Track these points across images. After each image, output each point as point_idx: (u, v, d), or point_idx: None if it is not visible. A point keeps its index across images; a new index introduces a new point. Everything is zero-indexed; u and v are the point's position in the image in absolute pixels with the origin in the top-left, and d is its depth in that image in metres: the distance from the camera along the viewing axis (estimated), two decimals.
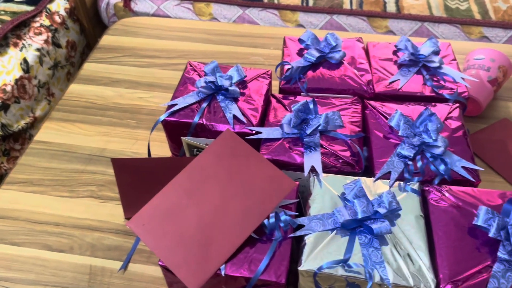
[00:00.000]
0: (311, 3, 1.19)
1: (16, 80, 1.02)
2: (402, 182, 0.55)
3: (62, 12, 1.22)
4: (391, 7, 1.16)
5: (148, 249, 0.64)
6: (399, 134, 0.58)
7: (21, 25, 1.11)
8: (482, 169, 0.57)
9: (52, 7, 1.20)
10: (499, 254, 0.47)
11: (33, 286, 0.61)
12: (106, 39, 1.02)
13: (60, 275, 0.62)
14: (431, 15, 1.13)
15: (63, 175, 0.74)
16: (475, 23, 1.11)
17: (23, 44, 1.08)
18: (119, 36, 1.03)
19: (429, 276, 0.47)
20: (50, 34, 1.15)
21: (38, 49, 1.09)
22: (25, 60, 1.05)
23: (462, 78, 0.68)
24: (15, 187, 0.72)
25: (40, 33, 1.13)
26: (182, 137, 0.64)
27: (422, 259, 0.48)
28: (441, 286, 0.46)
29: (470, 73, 0.81)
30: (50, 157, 0.77)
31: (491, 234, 0.47)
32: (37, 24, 1.14)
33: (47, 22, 1.16)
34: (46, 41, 1.13)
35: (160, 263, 0.48)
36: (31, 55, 1.07)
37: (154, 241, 0.49)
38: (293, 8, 1.19)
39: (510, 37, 1.10)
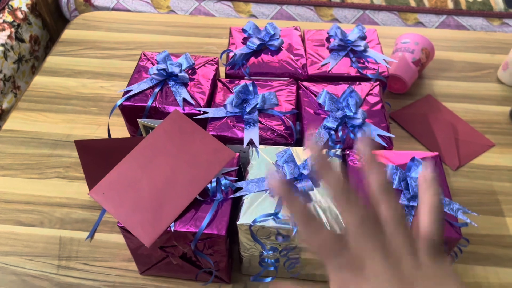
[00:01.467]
0: None
1: None
2: (327, 149, 0.65)
3: (24, 8, 1.26)
4: None
5: (112, 220, 0.72)
6: (325, 109, 0.68)
7: None
8: (393, 135, 0.67)
9: (14, 3, 1.25)
10: (401, 201, 0.57)
11: (8, 257, 0.68)
12: (68, 33, 1.08)
13: (33, 246, 0.69)
14: (372, 3, 1.24)
15: (32, 159, 0.81)
16: (411, 10, 1.22)
17: None
18: (80, 30, 1.09)
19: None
20: (13, 29, 1.19)
21: (2, 45, 1.14)
22: None
23: (384, 60, 0.78)
24: None
25: (3, 29, 1.17)
26: (138, 120, 0.72)
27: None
28: None
29: (397, 55, 0.91)
30: (19, 143, 0.84)
31: (394, 186, 0.58)
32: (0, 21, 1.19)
33: (9, 18, 1.20)
34: (9, 37, 1.18)
35: (119, 224, 0.57)
36: None
37: (113, 207, 0.57)
38: (246, 0, 1.27)
39: (442, 22, 1.22)
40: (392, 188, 0.34)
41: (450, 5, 1.22)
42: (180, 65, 0.74)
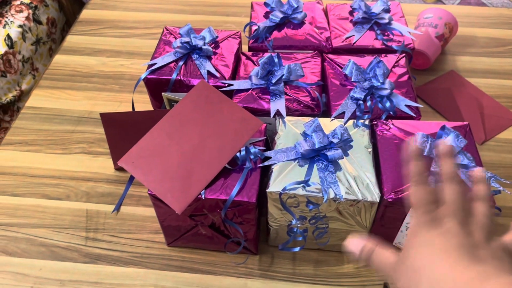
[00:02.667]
0: None
1: (2, 56, 1.07)
2: (355, 120, 0.64)
3: None
4: None
5: (137, 194, 0.73)
6: (352, 80, 0.67)
7: (2, 4, 1.16)
8: (422, 105, 0.66)
9: None
10: (432, 168, 0.57)
11: (36, 229, 0.69)
12: (86, 13, 1.07)
13: (60, 218, 0.70)
14: None
15: (56, 135, 0.81)
16: None
17: (5, 21, 1.13)
18: (98, 10, 1.08)
19: (375, 190, 0.56)
20: (30, 11, 1.20)
21: (20, 26, 1.15)
22: (8, 36, 1.11)
23: (409, 32, 0.77)
24: (12, 147, 0.79)
25: (21, 11, 1.18)
26: (162, 93, 0.72)
27: (369, 178, 0.57)
28: (384, 196, 0.56)
29: (420, 30, 0.90)
30: (42, 120, 0.84)
31: (425, 153, 0.57)
32: (17, 2, 1.19)
33: (27, 0, 1.21)
34: (27, 18, 1.18)
35: (149, 192, 0.57)
36: (14, 32, 1.12)
37: (143, 175, 0.57)
38: None
39: None
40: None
41: None
42: (203, 38, 0.74)
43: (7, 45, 1.09)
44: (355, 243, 0.42)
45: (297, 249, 0.62)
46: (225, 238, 0.62)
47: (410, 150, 0.41)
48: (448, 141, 0.58)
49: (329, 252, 0.66)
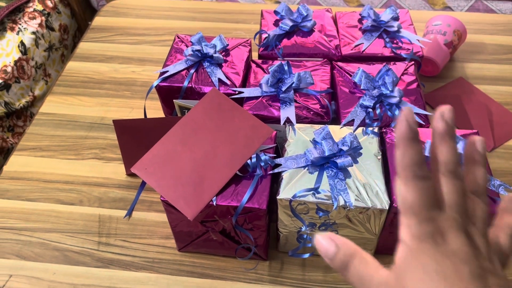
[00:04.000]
0: None
1: (15, 62, 1.09)
2: (364, 127, 0.65)
3: None
4: None
5: (149, 199, 0.74)
6: (361, 88, 0.68)
7: (15, 11, 1.18)
8: (431, 113, 0.67)
9: None
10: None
11: (50, 233, 0.70)
12: (98, 20, 1.09)
13: (73, 223, 0.71)
14: None
15: (69, 141, 0.83)
16: None
17: (19, 28, 1.15)
18: (110, 17, 1.10)
19: (384, 198, 0.57)
20: (43, 18, 1.22)
21: (33, 32, 1.17)
22: (22, 43, 1.13)
23: (418, 40, 0.78)
24: (26, 153, 0.81)
25: (34, 18, 1.20)
26: (174, 100, 0.73)
27: (379, 186, 0.58)
28: (394, 204, 0.56)
29: (428, 37, 0.90)
30: (55, 126, 0.85)
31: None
32: (30, 9, 1.21)
33: (40, 7, 1.23)
34: (40, 25, 1.20)
35: (162, 198, 0.58)
36: (27, 38, 1.14)
37: (155, 181, 0.58)
38: None
39: (471, 6, 1.20)
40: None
41: None
42: (214, 46, 0.75)
43: (21, 51, 1.11)
44: (326, 243, 0.32)
45: (306, 255, 0.63)
46: (235, 244, 0.63)
47: (400, 131, 0.30)
48: (458, 148, 0.59)
49: None
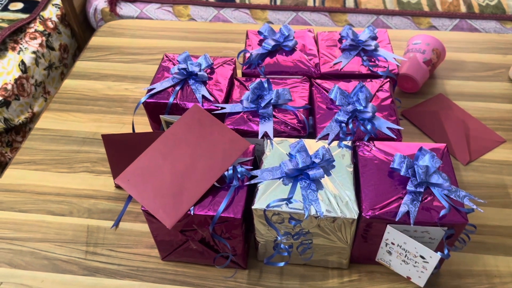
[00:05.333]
0: (278, 2, 1.32)
1: (16, 80, 1.14)
2: (338, 141, 0.68)
3: (54, 18, 1.34)
4: (350, 3, 1.29)
5: (136, 210, 0.77)
6: (336, 103, 0.71)
7: (17, 31, 1.24)
8: (402, 128, 0.70)
9: (45, 14, 1.33)
10: (408, 187, 0.60)
11: (40, 243, 0.73)
12: (95, 40, 1.14)
13: (63, 233, 0.74)
14: (385, 8, 1.27)
15: (62, 155, 0.87)
16: (424, 14, 1.25)
17: (20, 48, 1.20)
18: (106, 37, 1.15)
19: (354, 208, 0.59)
20: (44, 38, 1.27)
21: (34, 52, 1.22)
22: (22, 62, 1.18)
23: (394, 58, 0.81)
24: (21, 167, 0.85)
25: (35, 38, 1.25)
26: (160, 116, 0.77)
27: (349, 196, 0.61)
28: (363, 213, 0.59)
29: (408, 56, 0.94)
30: (50, 141, 0.89)
31: (402, 173, 0.61)
32: (32, 30, 1.26)
33: (41, 28, 1.28)
34: (40, 45, 1.25)
35: (143, 208, 0.61)
36: (27, 57, 1.19)
37: (137, 192, 0.62)
38: (263, 7, 1.32)
39: (455, 25, 1.24)
40: None
41: (463, 9, 1.24)
42: (199, 64, 0.79)
43: (21, 70, 1.16)
44: None
45: (282, 264, 0.66)
46: (214, 253, 0.66)
47: None
48: (424, 161, 0.62)
49: (315, 267, 0.69)
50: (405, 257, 0.62)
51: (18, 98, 1.14)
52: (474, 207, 0.59)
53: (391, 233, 0.60)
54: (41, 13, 1.31)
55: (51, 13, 1.34)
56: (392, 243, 0.62)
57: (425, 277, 0.63)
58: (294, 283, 0.67)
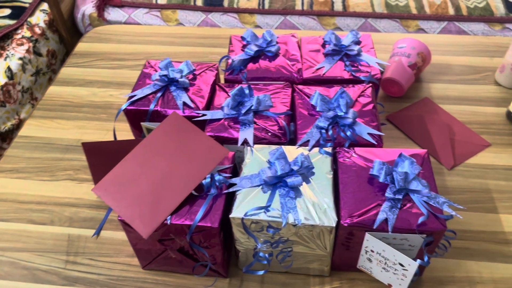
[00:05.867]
0: (267, 6, 1.32)
1: (2, 86, 1.13)
2: (319, 148, 0.67)
3: (42, 24, 1.34)
4: (338, 6, 1.29)
5: (117, 219, 0.76)
6: (317, 109, 0.71)
7: (4, 38, 1.23)
8: (383, 134, 0.69)
9: (33, 20, 1.32)
10: (386, 194, 0.59)
11: (20, 253, 0.72)
12: (81, 46, 1.14)
13: (43, 243, 0.74)
14: (374, 12, 1.27)
15: (44, 163, 0.86)
16: (412, 17, 1.24)
17: (7, 54, 1.19)
18: (93, 43, 1.15)
19: (332, 216, 0.59)
20: (31, 44, 1.27)
21: (20, 58, 1.21)
22: (9, 68, 1.17)
23: (377, 63, 0.81)
24: (3, 175, 0.84)
25: (22, 44, 1.25)
26: (141, 123, 0.76)
27: (328, 204, 0.60)
28: (341, 221, 0.59)
29: (393, 60, 0.94)
30: (33, 148, 0.89)
31: (381, 180, 0.60)
32: (19, 36, 1.26)
33: (28, 34, 1.28)
34: (27, 51, 1.25)
35: (119, 218, 0.60)
36: (14, 64, 1.19)
37: (114, 201, 0.61)
38: (251, 11, 1.31)
39: (443, 28, 1.24)
40: None
41: (451, 11, 1.24)
42: (181, 71, 0.78)
43: (7, 76, 1.15)
44: None
45: (261, 272, 0.65)
46: (194, 262, 0.65)
47: None
48: (404, 168, 0.61)
49: (296, 275, 0.68)
50: (385, 264, 0.62)
51: (4, 105, 1.13)
52: (453, 213, 0.59)
53: (370, 241, 0.60)
54: (29, 19, 1.31)
55: (39, 18, 1.34)
56: (372, 251, 0.61)
57: (405, 284, 0.62)
58: None
